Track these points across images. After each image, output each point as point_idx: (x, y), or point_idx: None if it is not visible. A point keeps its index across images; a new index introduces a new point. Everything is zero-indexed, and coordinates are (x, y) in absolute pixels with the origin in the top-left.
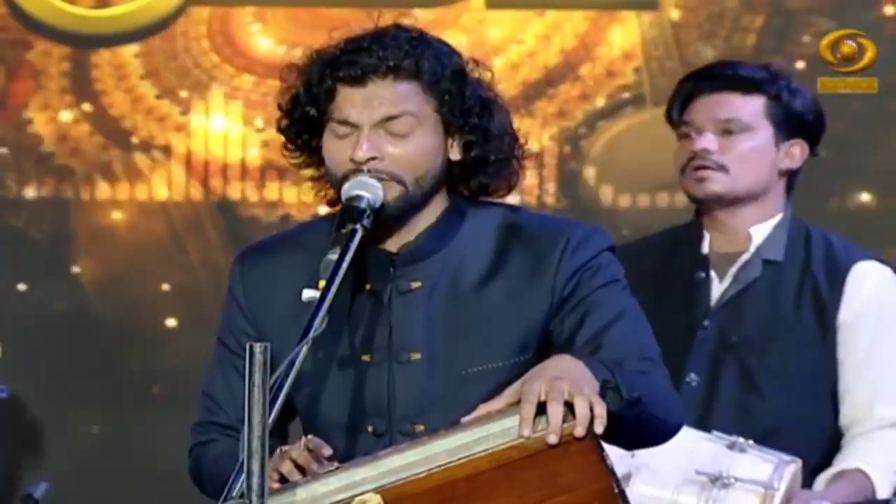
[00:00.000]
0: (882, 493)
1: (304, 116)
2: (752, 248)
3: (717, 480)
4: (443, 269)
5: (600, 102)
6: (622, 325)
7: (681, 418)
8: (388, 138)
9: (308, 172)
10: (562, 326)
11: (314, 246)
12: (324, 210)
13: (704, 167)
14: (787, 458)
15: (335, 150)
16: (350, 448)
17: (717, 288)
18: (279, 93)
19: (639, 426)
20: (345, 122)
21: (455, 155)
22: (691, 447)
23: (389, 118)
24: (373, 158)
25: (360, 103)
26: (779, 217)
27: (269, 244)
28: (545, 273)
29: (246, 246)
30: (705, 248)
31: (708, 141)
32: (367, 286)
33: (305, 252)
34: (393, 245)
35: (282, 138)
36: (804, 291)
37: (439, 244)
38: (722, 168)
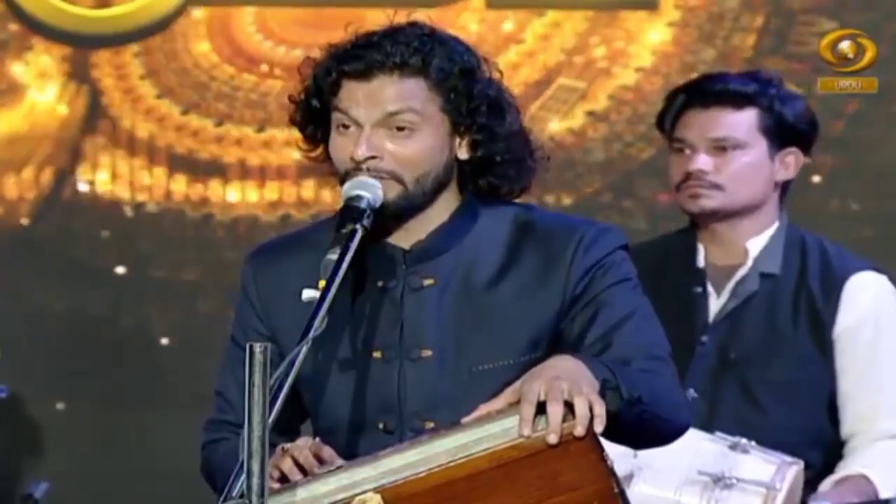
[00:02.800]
0: (884, 496)
1: (309, 108)
2: (750, 262)
3: (720, 481)
4: (455, 267)
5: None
6: (632, 324)
7: (687, 418)
8: (390, 136)
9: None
10: (572, 324)
11: (325, 245)
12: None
13: (700, 186)
14: (789, 459)
15: (338, 146)
16: (360, 445)
17: (715, 303)
18: (297, 85)
19: (641, 425)
20: (346, 114)
21: (463, 154)
22: (693, 447)
23: (391, 114)
24: (372, 157)
25: (363, 99)
26: (774, 227)
27: (281, 243)
28: (557, 271)
29: (258, 245)
30: (701, 262)
31: (703, 162)
32: (379, 283)
33: (317, 251)
34: (405, 242)
35: (281, 138)
36: (800, 304)
37: (452, 242)
38: (717, 187)
